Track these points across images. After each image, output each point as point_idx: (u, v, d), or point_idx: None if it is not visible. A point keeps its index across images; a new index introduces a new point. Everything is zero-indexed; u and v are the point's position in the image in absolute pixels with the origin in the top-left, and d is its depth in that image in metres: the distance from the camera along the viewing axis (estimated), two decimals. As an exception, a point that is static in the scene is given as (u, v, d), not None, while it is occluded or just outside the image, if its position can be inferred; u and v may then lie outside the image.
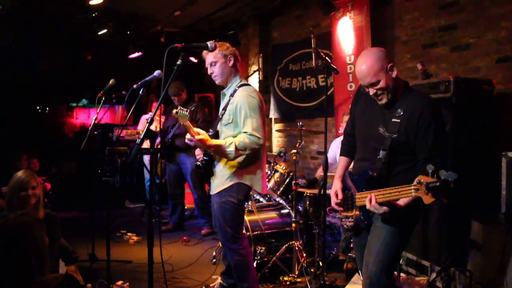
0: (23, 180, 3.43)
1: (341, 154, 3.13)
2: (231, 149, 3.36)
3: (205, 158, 3.62)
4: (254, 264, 4.31)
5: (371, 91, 2.67)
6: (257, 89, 7.88)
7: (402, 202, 2.55)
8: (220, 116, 3.64)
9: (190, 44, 2.69)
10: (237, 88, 3.57)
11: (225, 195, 3.54)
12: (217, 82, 3.65)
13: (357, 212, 2.80)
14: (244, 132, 3.41)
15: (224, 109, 3.60)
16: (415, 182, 2.31)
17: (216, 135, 3.60)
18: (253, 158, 3.53)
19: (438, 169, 2.31)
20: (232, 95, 3.56)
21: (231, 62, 3.57)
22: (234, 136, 3.46)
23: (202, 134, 3.35)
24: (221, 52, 3.52)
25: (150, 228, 2.55)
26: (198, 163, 3.64)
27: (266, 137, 5.86)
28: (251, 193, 5.06)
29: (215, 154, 3.54)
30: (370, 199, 2.52)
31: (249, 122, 3.40)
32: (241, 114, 3.44)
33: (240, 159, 3.47)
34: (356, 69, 2.73)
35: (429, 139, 2.55)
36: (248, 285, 3.60)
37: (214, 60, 3.54)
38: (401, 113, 2.61)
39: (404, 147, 2.62)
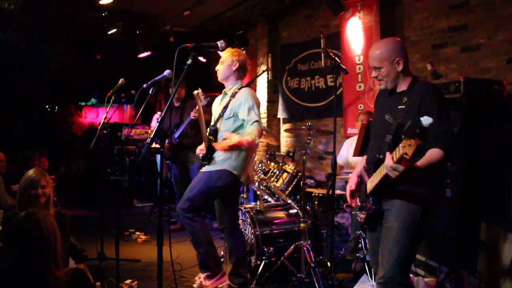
0: (33, 179, 3.47)
1: (362, 154, 3.25)
2: (247, 139, 3.55)
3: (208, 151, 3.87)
4: (262, 264, 4.32)
5: (373, 73, 2.86)
6: (266, 89, 8.01)
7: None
8: (221, 114, 3.88)
9: (201, 44, 2.71)
10: (237, 90, 3.85)
11: (207, 175, 3.78)
12: (218, 78, 4.02)
13: (370, 202, 2.82)
14: (255, 121, 3.67)
15: (226, 107, 3.86)
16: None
17: (215, 131, 3.86)
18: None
19: (445, 150, 2.48)
20: (233, 96, 3.83)
21: (235, 67, 3.92)
22: (233, 130, 3.77)
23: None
24: (231, 55, 3.91)
25: (160, 227, 2.55)
26: (203, 155, 3.88)
27: (275, 137, 5.88)
28: (258, 193, 5.09)
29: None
30: (388, 159, 2.42)
31: (252, 114, 3.70)
32: (244, 106, 3.72)
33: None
34: (370, 49, 2.92)
35: (432, 117, 2.46)
36: (204, 249, 3.87)
37: (223, 60, 3.97)
38: (406, 100, 2.71)
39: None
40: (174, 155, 6.27)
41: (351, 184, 3.00)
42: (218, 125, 3.90)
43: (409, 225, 2.66)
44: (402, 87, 2.80)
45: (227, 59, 3.92)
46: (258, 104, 3.81)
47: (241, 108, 3.73)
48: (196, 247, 3.91)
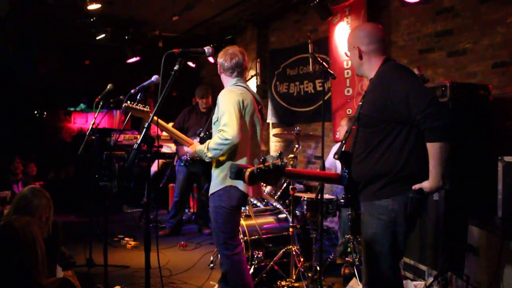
0: (37, 208, 3.21)
1: None
2: (205, 151, 3.43)
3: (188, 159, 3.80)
4: (252, 269, 4.32)
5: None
6: (255, 94, 8.00)
7: None
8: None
9: (188, 49, 2.71)
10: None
11: (218, 200, 3.52)
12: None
13: None
14: (217, 132, 3.43)
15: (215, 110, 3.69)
16: None
17: (209, 137, 3.65)
18: (230, 156, 3.47)
19: (429, 120, 2.38)
20: None
21: (219, 70, 3.71)
22: None
23: (191, 142, 3.60)
24: (218, 63, 3.69)
25: (147, 232, 2.55)
26: (184, 161, 3.83)
27: (264, 141, 5.88)
28: (248, 198, 5.09)
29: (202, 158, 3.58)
30: None
31: (221, 120, 3.43)
32: (219, 111, 3.48)
33: (222, 158, 3.48)
34: None
35: (401, 94, 2.49)
36: None
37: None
38: (364, 96, 2.76)
39: (366, 127, 2.67)
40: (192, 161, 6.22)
41: None
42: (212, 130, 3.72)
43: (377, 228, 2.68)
44: (371, 73, 2.75)
45: (218, 67, 3.71)
46: (239, 104, 3.47)
47: (219, 112, 3.49)
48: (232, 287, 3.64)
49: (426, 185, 2.46)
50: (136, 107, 3.65)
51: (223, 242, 3.55)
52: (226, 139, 3.33)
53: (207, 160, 3.51)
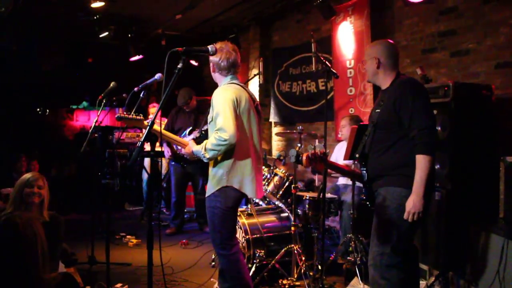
0: (30, 178, 3.51)
1: (352, 158, 3.58)
2: (202, 152, 3.38)
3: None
4: (253, 268, 4.33)
5: (362, 65, 3.43)
6: (258, 93, 8.03)
7: None
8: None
9: (191, 47, 2.71)
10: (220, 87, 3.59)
11: (214, 200, 3.48)
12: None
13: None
14: (214, 133, 3.36)
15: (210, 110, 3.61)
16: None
17: (205, 136, 3.62)
18: (227, 156, 3.42)
19: (425, 136, 2.85)
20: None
21: (212, 69, 3.60)
22: None
23: (187, 144, 3.57)
24: (210, 61, 3.59)
25: (150, 230, 2.56)
26: (178, 164, 3.72)
27: (266, 140, 5.89)
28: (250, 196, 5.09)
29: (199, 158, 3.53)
30: None
31: (217, 120, 3.35)
32: (214, 112, 3.40)
33: (220, 158, 3.44)
34: None
35: (408, 110, 2.93)
36: (229, 285, 3.57)
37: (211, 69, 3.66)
38: (382, 104, 3.11)
39: (384, 129, 3.08)
40: (182, 158, 6.20)
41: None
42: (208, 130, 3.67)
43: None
44: (386, 84, 3.17)
45: (211, 65, 3.61)
46: (233, 102, 3.39)
47: (214, 112, 3.41)
48: (224, 281, 3.63)
49: (409, 201, 2.87)
50: (129, 116, 3.64)
51: (220, 242, 3.52)
52: (224, 140, 3.26)
53: (205, 161, 3.46)
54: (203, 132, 3.74)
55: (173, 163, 6.31)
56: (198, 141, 3.66)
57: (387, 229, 2.99)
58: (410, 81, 3.08)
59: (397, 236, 2.96)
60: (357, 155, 3.22)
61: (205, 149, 3.36)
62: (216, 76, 3.63)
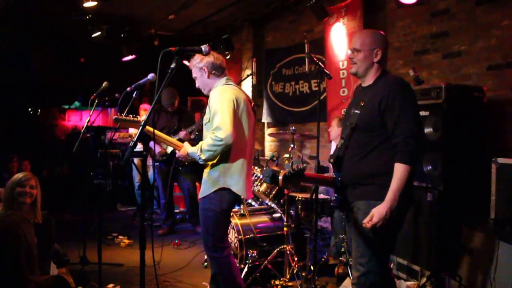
0: (22, 178, 3.51)
1: None
2: (198, 153, 3.36)
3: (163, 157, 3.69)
4: (246, 268, 4.33)
5: (349, 54, 2.89)
6: (250, 93, 8.04)
7: None
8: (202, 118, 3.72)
9: (184, 47, 2.70)
10: (215, 88, 3.56)
11: (208, 202, 3.47)
12: (204, 93, 3.68)
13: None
14: (210, 133, 3.35)
15: (205, 111, 3.61)
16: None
17: (200, 138, 3.63)
18: (223, 158, 3.41)
19: (409, 145, 2.58)
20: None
21: (206, 74, 3.57)
22: None
23: (182, 146, 3.54)
24: (196, 66, 3.58)
25: (142, 230, 2.55)
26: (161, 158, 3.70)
27: (259, 141, 5.89)
28: (242, 197, 5.10)
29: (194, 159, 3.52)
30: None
31: (214, 120, 3.34)
32: (211, 111, 3.40)
33: (215, 159, 3.41)
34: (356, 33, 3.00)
35: (394, 113, 2.65)
36: None
37: (194, 75, 3.65)
38: (362, 105, 2.78)
39: (364, 131, 2.76)
40: (168, 158, 6.20)
41: None
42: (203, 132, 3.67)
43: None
44: (370, 80, 2.85)
45: (196, 73, 3.62)
46: (232, 103, 3.39)
47: (211, 112, 3.41)
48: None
49: (380, 209, 2.57)
50: (127, 118, 3.63)
51: (212, 245, 3.51)
52: (220, 140, 3.25)
53: (200, 163, 3.44)
54: (197, 134, 3.72)
55: (157, 163, 6.28)
56: (193, 143, 3.64)
57: (370, 247, 2.72)
58: (399, 81, 2.78)
59: (378, 256, 2.72)
60: (331, 160, 2.91)
61: (201, 150, 3.34)
62: (209, 80, 3.59)
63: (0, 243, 2.54)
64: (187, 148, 3.51)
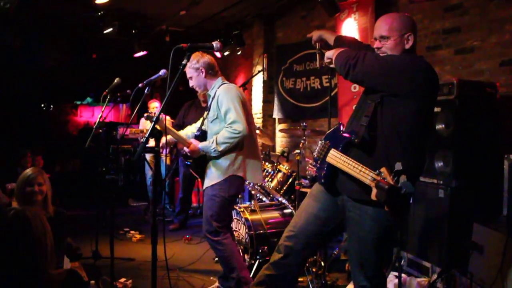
0: (29, 177, 3.51)
1: None
2: (213, 146, 3.56)
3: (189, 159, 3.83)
4: (256, 264, 4.35)
5: (376, 44, 2.63)
6: (261, 89, 8.04)
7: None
8: (205, 116, 3.88)
9: (196, 44, 2.72)
10: (217, 89, 3.74)
11: (217, 189, 3.66)
12: (199, 92, 3.97)
13: (320, 165, 2.68)
14: (225, 127, 3.57)
15: (209, 109, 3.79)
16: (377, 170, 2.23)
17: (203, 135, 3.79)
18: (236, 147, 3.65)
19: None
20: (214, 96, 3.73)
21: (203, 73, 3.77)
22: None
23: (191, 143, 3.68)
24: (192, 67, 3.76)
25: (154, 225, 2.57)
26: (187, 162, 3.87)
27: (270, 137, 5.90)
28: (253, 193, 5.12)
29: (206, 155, 3.71)
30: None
31: (228, 115, 3.57)
32: (222, 108, 3.61)
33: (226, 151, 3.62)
34: (379, 19, 2.68)
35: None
36: (237, 274, 3.66)
37: (189, 75, 3.83)
38: None
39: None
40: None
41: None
42: (205, 126, 3.89)
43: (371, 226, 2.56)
44: None
45: (192, 73, 3.80)
46: (240, 98, 3.66)
47: (221, 110, 3.63)
48: (228, 273, 3.73)
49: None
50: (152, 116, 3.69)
51: (214, 230, 3.66)
52: (238, 132, 3.52)
53: (213, 155, 3.62)
54: (201, 131, 3.82)
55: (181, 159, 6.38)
56: (198, 140, 3.78)
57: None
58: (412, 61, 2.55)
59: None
60: None
61: (217, 143, 3.54)
62: (206, 80, 3.80)
63: (28, 234, 2.58)
64: (197, 144, 3.68)
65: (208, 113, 3.82)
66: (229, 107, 3.57)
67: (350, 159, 2.45)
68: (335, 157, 2.55)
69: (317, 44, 3.34)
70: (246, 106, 3.73)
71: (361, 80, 2.57)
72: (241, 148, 3.70)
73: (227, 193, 3.67)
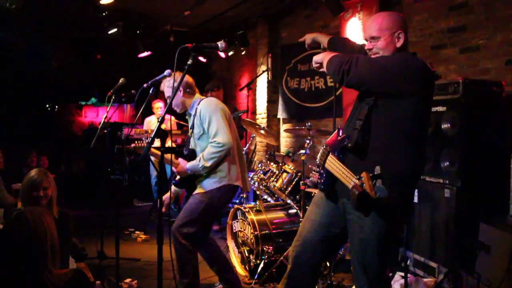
0: (35, 181, 3.46)
1: None
2: (201, 164, 3.56)
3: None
4: (262, 264, 4.34)
5: (367, 45, 2.58)
6: (266, 89, 8.04)
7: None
8: (190, 135, 3.84)
9: (201, 44, 2.71)
10: (197, 106, 3.75)
11: (208, 197, 3.64)
12: (179, 112, 3.91)
13: (321, 171, 2.69)
14: (210, 142, 3.58)
15: (192, 126, 3.78)
16: (358, 175, 2.22)
17: (192, 153, 3.78)
18: (225, 158, 3.64)
19: None
20: (195, 112, 3.73)
21: (181, 92, 3.77)
22: None
23: (178, 163, 3.67)
24: (170, 86, 3.69)
25: (160, 226, 2.57)
26: (174, 181, 3.86)
27: (275, 137, 5.90)
28: (258, 193, 5.11)
29: (195, 173, 3.70)
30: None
31: (211, 130, 3.58)
32: (205, 122, 3.61)
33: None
34: (368, 19, 2.66)
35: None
36: (188, 281, 3.65)
37: (167, 95, 3.80)
38: None
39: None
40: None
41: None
42: (192, 144, 3.85)
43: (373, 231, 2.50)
44: None
45: (169, 92, 3.75)
46: (222, 110, 3.68)
47: (205, 126, 3.63)
48: (181, 276, 3.69)
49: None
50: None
51: (192, 233, 3.61)
52: (223, 144, 3.51)
53: (202, 172, 3.62)
54: (190, 150, 3.82)
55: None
56: (186, 159, 3.76)
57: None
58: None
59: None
60: None
61: (204, 160, 3.54)
62: (184, 99, 3.80)
63: (28, 235, 2.59)
64: (184, 164, 3.67)
65: (192, 131, 3.80)
66: (211, 119, 3.58)
67: (340, 164, 2.45)
68: (331, 162, 2.54)
69: (322, 45, 3.27)
70: (229, 118, 3.73)
71: (356, 85, 2.53)
72: (232, 157, 3.69)
73: (218, 202, 3.68)
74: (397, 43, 2.52)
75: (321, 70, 2.66)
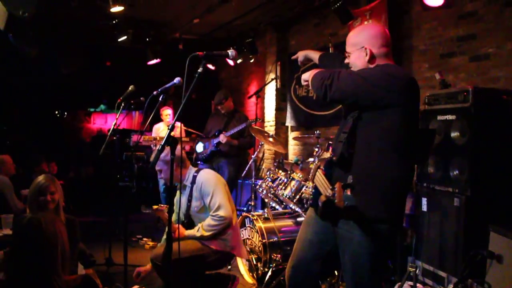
0: (42, 185, 3.50)
1: None
2: (199, 234, 3.70)
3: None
4: (270, 272, 4.33)
5: (346, 59, 2.67)
6: (274, 97, 8.05)
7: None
8: (187, 206, 3.89)
9: (212, 52, 2.72)
10: (195, 174, 3.86)
11: (210, 254, 3.78)
12: (168, 184, 4.12)
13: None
14: (211, 215, 3.71)
15: (190, 199, 3.85)
16: (332, 186, 2.26)
17: (191, 223, 3.92)
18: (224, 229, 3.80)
19: None
20: (192, 183, 3.84)
21: (175, 166, 3.74)
22: None
23: (176, 229, 3.72)
24: (162, 159, 3.76)
25: (169, 232, 2.57)
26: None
27: (283, 145, 5.90)
28: (266, 201, 5.11)
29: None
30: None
31: (213, 203, 3.71)
32: (207, 196, 3.73)
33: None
34: None
35: None
36: None
37: (159, 168, 3.89)
38: None
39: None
40: (208, 158, 6.37)
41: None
42: (191, 215, 3.93)
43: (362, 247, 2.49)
44: None
45: (162, 166, 3.85)
46: (222, 183, 3.86)
47: (206, 198, 3.74)
48: None
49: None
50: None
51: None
52: (224, 218, 3.68)
53: (198, 235, 3.75)
54: (189, 219, 3.96)
55: (202, 163, 6.44)
56: (185, 227, 3.89)
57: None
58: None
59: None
60: None
61: (204, 230, 3.70)
62: (175, 175, 3.68)
63: (40, 240, 2.61)
64: (183, 231, 3.78)
65: (190, 203, 3.85)
66: (214, 192, 3.71)
67: (323, 177, 2.44)
68: (317, 177, 2.53)
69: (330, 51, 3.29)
70: (227, 189, 3.89)
71: (339, 99, 2.54)
72: (229, 228, 3.83)
73: (218, 264, 3.93)
74: (366, 57, 2.54)
75: (310, 87, 2.66)
